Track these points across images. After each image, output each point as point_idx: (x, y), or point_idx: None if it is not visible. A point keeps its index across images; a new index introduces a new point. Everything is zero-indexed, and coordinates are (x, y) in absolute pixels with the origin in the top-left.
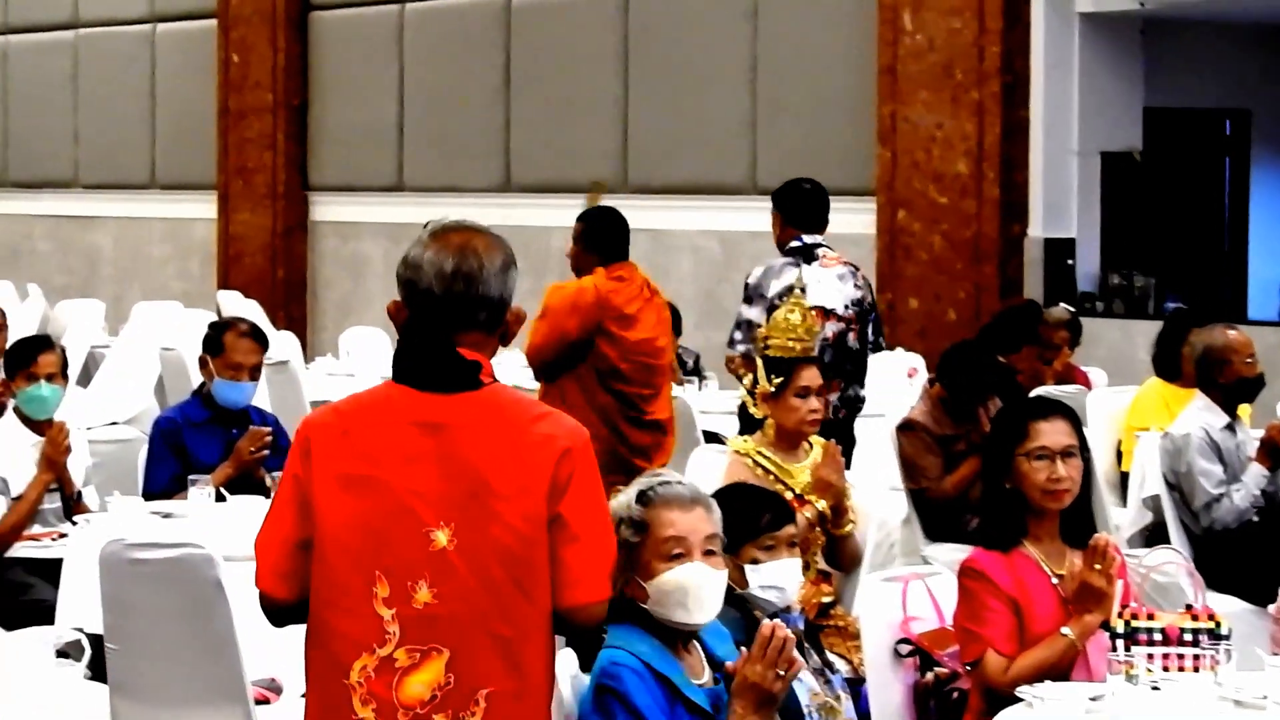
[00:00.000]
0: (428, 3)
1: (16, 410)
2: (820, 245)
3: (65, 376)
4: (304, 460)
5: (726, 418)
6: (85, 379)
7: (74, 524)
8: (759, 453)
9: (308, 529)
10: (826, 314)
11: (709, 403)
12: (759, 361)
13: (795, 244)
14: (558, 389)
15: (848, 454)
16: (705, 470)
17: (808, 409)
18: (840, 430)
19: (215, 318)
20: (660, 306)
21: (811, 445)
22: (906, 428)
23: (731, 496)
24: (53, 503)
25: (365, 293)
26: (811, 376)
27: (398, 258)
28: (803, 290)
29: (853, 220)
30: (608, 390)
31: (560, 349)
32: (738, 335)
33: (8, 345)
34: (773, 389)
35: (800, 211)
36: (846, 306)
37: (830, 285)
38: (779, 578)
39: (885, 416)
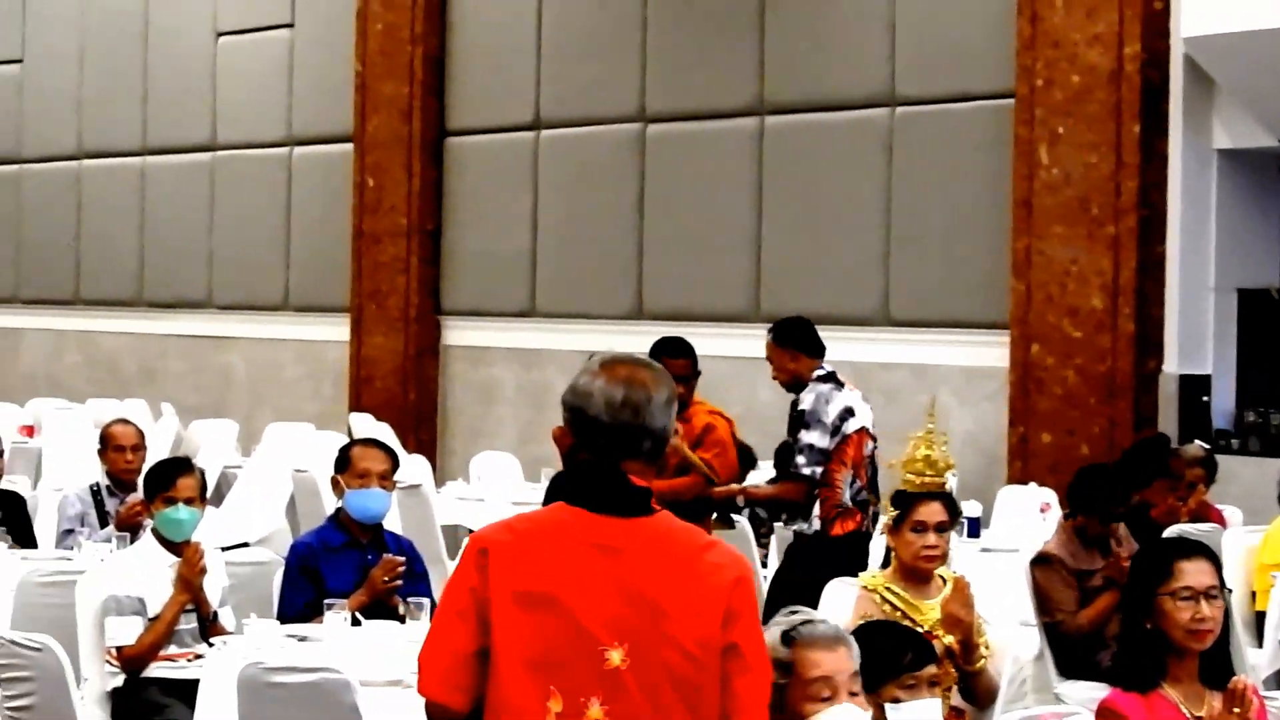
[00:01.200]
0: (562, 130)
1: (154, 532)
2: (836, 371)
3: (203, 499)
4: (480, 574)
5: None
6: (218, 499)
7: (210, 645)
8: (887, 588)
9: (483, 640)
10: (866, 432)
11: None
12: (886, 496)
13: (820, 372)
14: None
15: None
16: (835, 604)
17: (922, 544)
18: (865, 545)
19: (346, 439)
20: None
21: (944, 581)
22: (1041, 561)
23: (872, 634)
24: (189, 623)
25: (495, 417)
26: (930, 512)
27: (528, 383)
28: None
29: (986, 354)
30: None
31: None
32: (801, 460)
33: (145, 466)
34: (892, 522)
35: (812, 342)
36: (873, 425)
37: (863, 406)
38: (919, 717)
39: (1018, 551)
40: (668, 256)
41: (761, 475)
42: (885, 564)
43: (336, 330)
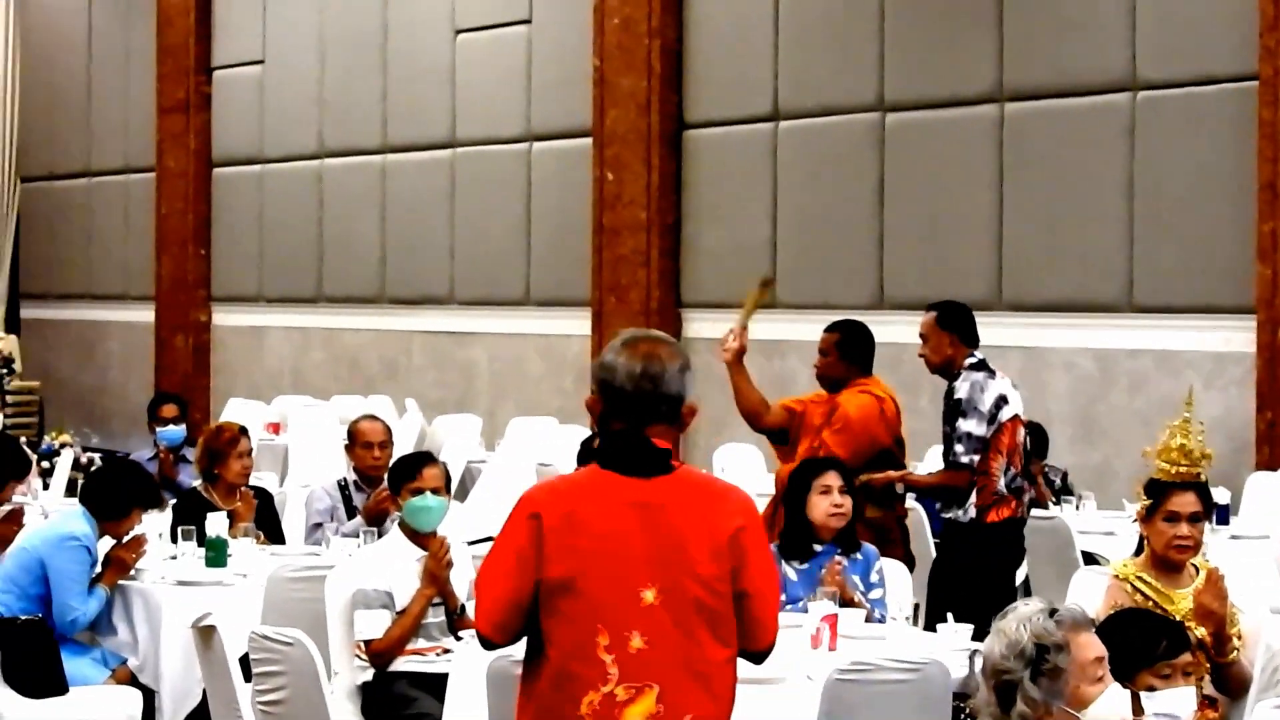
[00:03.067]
0: (801, 121)
1: (402, 525)
2: (986, 359)
3: (448, 491)
4: (531, 535)
5: (1104, 539)
6: (462, 494)
7: (459, 639)
8: (1139, 577)
9: (527, 590)
10: (1020, 419)
11: (1087, 523)
12: (1140, 484)
13: (972, 360)
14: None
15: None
16: (1085, 593)
17: (1174, 534)
18: (1020, 532)
19: (589, 433)
20: None
21: (1197, 570)
22: None
23: (1127, 622)
24: (437, 617)
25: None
26: (1184, 502)
27: (771, 373)
28: (1191, 419)
29: (1232, 338)
30: None
31: (870, 457)
32: (959, 449)
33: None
34: (1145, 511)
35: (971, 330)
36: (1024, 412)
37: (1015, 393)
38: (1174, 705)
39: (1269, 538)
40: (908, 245)
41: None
42: (1138, 552)
43: (578, 324)
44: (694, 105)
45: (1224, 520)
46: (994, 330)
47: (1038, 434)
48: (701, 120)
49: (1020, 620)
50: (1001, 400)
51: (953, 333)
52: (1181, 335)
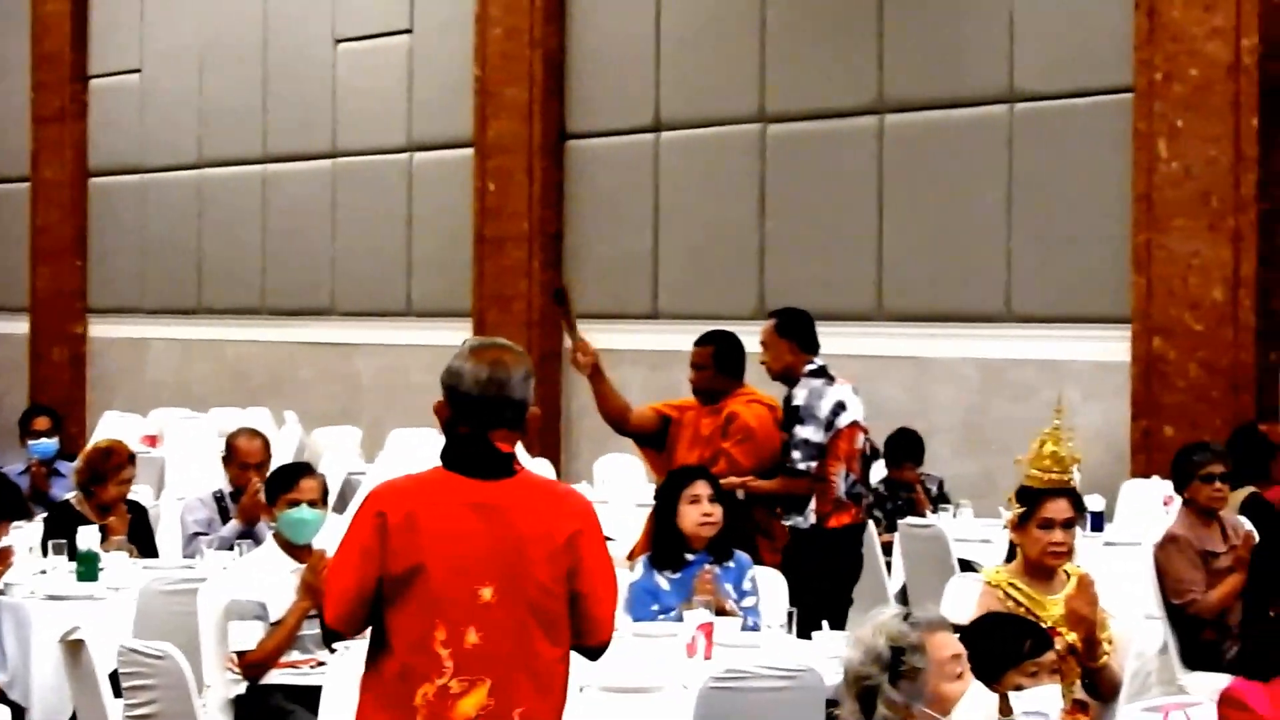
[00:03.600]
0: (683, 131)
1: (277, 536)
2: (827, 365)
3: (325, 504)
4: (375, 529)
5: (982, 546)
6: (342, 505)
7: (333, 651)
8: (1011, 584)
9: (370, 585)
10: (859, 425)
11: (965, 530)
12: (1012, 492)
13: (811, 367)
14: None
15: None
16: (959, 599)
17: (1049, 541)
18: (859, 538)
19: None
20: None
21: (1069, 576)
22: (1168, 542)
23: (991, 625)
24: (312, 629)
25: None
26: (1057, 509)
27: (655, 385)
28: (1062, 426)
29: (1108, 348)
30: None
31: (769, 466)
32: (797, 455)
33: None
34: (1018, 518)
35: (811, 338)
36: (864, 418)
37: (854, 400)
38: (1043, 703)
39: (1141, 545)
40: (790, 256)
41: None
42: (1009, 559)
43: (461, 335)
44: (576, 115)
45: (1098, 527)
46: (876, 340)
47: (912, 442)
48: (584, 130)
49: (875, 627)
50: (839, 407)
51: (791, 340)
52: (1061, 345)
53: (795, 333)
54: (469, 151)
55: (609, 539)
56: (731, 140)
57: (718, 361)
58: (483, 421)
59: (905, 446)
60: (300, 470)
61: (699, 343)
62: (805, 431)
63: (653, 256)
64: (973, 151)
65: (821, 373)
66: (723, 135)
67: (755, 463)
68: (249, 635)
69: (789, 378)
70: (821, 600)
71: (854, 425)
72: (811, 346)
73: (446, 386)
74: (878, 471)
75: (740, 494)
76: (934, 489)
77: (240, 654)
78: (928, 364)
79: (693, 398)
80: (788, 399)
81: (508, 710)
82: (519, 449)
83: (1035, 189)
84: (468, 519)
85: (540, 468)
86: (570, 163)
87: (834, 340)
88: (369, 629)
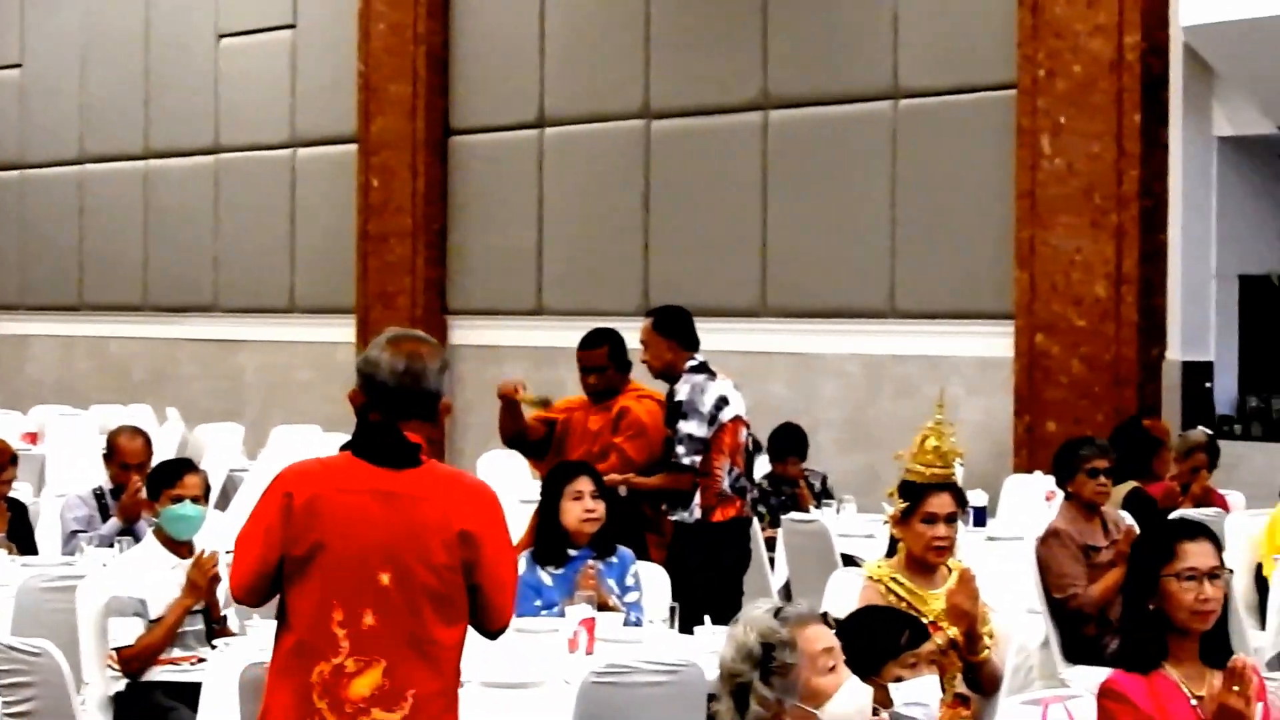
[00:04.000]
0: (567, 127)
1: (157, 532)
2: (707, 361)
3: (207, 500)
4: (280, 509)
5: (865, 541)
6: (224, 502)
7: (214, 648)
8: (893, 578)
9: (272, 562)
10: (741, 420)
11: (848, 525)
12: (894, 486)
13: (693, 363)
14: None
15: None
16: (841, 594)
17: (932, 535)
18: (744, 531)
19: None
20: None
21: (950, 571)
22: (1049, 536)
23: (869, 618)
24: (194, 625)
25: None
26: (941, 504)
27: (538, 381)
28: (944, 420)
29: (992, 344)
30: None
31: (657, 460)
32: (681, 450)
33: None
34: (900, 513)
35: (690, 335)
36: (746, 412)
37: (735, 395)
38: (923, 694)
39: (1023, 539)
40: (674, 252)
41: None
42: (890, 553)
43: (344, 332)
44: (460, 112)
45: (981, 522)
46: (758, 337)
47: (796, 437)
48: (468, 126)
49: (746, 623)
50: (722, 401)
51: (671, 338)
52: (944, 341)
53: (674, 330)
54: (352, 147)
55: None
56: (616, 136)
57: (614, 360)
58: (396, 411)
59: (789, 441)
60: (183, 466)
61: (589, 345)
62: (689, 426)
63: (537, 252)
64: (857, 148)
65: (703, 368)
66: (607, 131)
67: (646, 457)
68: (129, 631)
69: (670, 375)
70: (709, 594)
71: (737, 420)
72: (691, 343)
73: (362, 375)
74: (762, 466)
75: (622, 490)
76: (818, 484)
77: (120, 650)
78: (812, 360)
79: (576, 396)
80: (670, 395)
81: (402, 691)
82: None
83: (919, 185)
84: (370, 505)
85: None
86: (454, 159)
87: (718, 336)
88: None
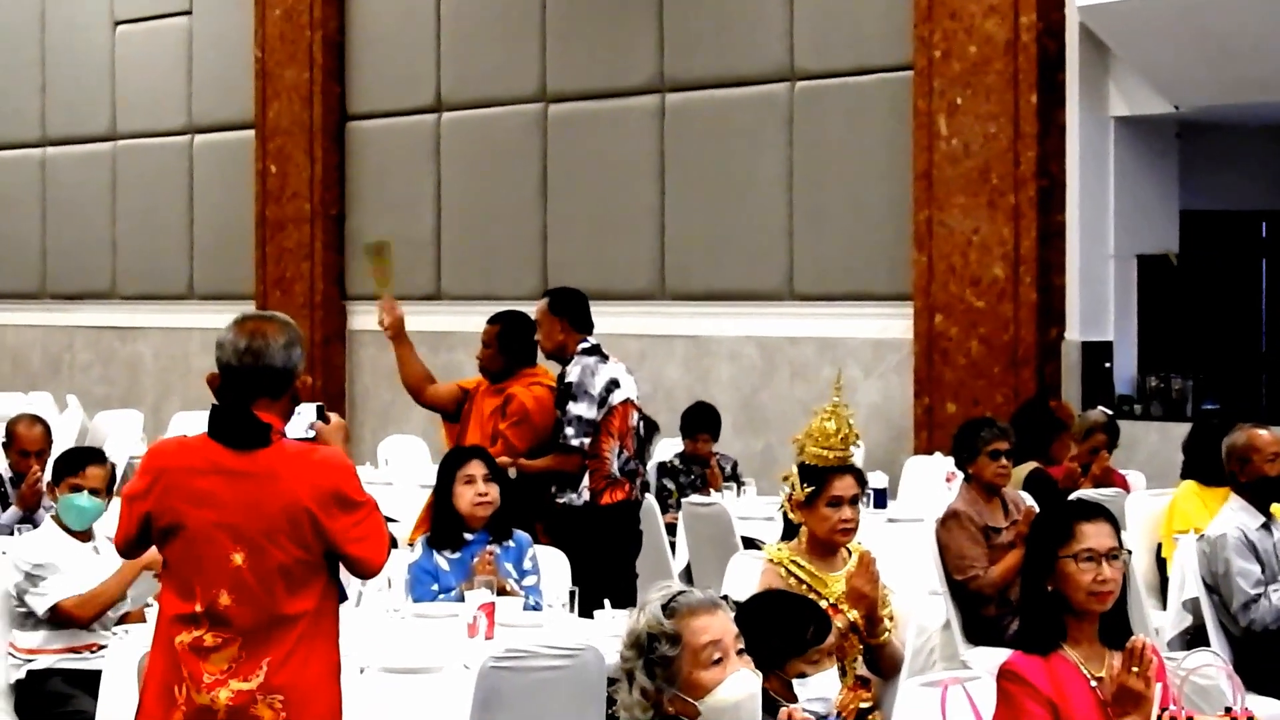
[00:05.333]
0: (464, 112)
1: (55, 518)
2: (600, 344)
3: (109, 493)
4: (145, 485)
5: (765, 524)
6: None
7: (113, 635)
8: (793, 561)
9: (135, 530)
10: (632, 403)
11: (748, 508)
12: (794, 470)
13: (585, 345)
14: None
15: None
16: (741, 577)
17: (839, 518)
18: (634, 514)
19: None
20: None
21: (850, 554)
22: (949, 518)
23: (772, 608)
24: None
25: (404, 402)
26: (845, 486)
27: (437, 366)
28: (840, 404)
29: (890, 325)
30: None
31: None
32: (570, 431)
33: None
34: (804, 497)
35: (583, 317)
36: (637, 396)
37: (627, 378)
38: (825, 689)
39: (923, 521)
40: (572, 236)
41: (670, 448)
42: (787, 537)
43: None
44: (357, 97)
45: (881, 504)
46: (657, 320)
47: (708, 415)
48: (365, 112)
49: (641, 610)
50: (613, 384)
51: (563, 318)
52: (841, 323)
53: (567, 311)
54: (249, 133)
55: (391, 519)
56: (512, 120)
57: (501, 341)
58: (241, 391)
59: (702, 420)
60: (89, 456)
61: (490, 321)
62: (578, 408)
63: (434, 237)
64: (753, 130)
65: (595, 351)
66: (503, 115)
67: (530, 444)
68: (58, 588)
69: (561, 356)
70: (601, 578)
71: (628, 403)
72: (584, 325)
73: (216, 358)
74: (671, 447)
75: (512, 473)
76: (728, 468)
77: (58, 605)
78: (708, 342)
79: (481, 378)
80: (560, 376)
81: (257, 661)
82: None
83: (816, 167)
84: (219, 486)
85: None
86: (351, 144)
87: (616, 320)
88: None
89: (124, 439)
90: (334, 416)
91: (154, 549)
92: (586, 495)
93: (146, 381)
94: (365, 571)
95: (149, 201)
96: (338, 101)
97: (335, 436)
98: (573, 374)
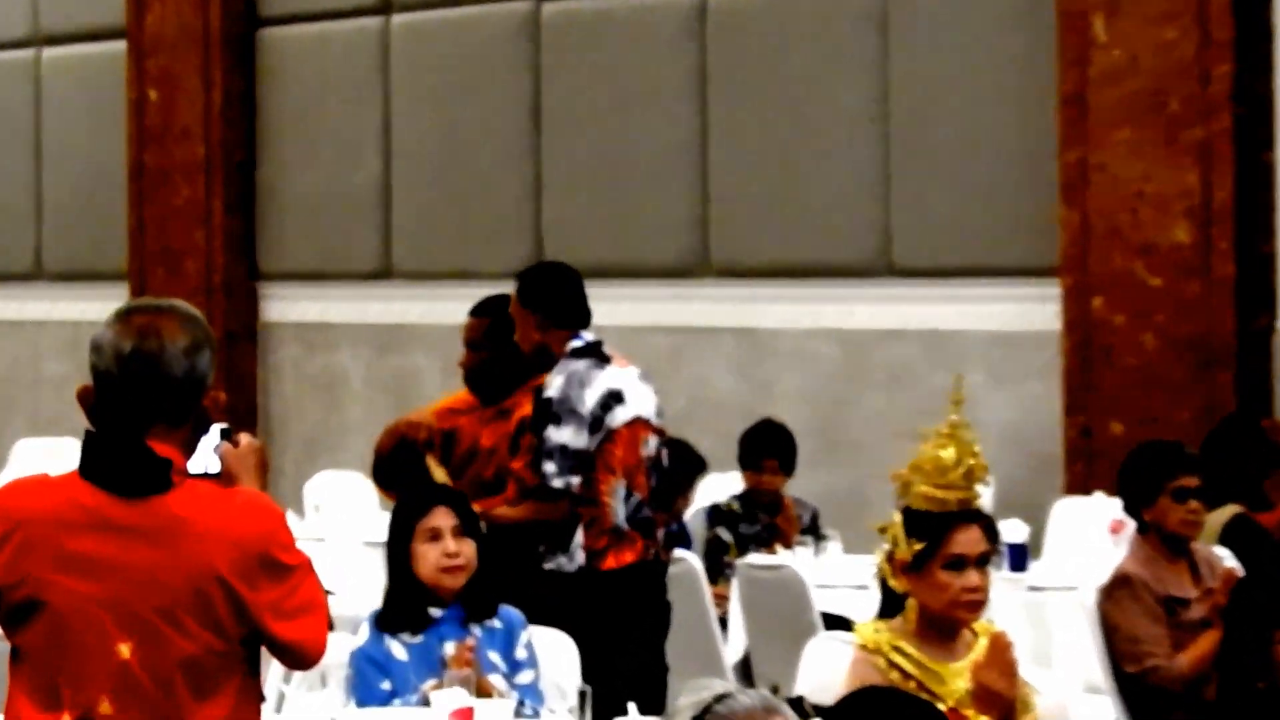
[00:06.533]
0: (423, 13)
1: None
2: (602, 342)
3: None
4: None
5: (855, 595)
6: None
7: None
8: (896, 647)
9: None
10: (646, 425)
11: (830, 573)
12: (896, 518)
13: (576, 344)
14: None
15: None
16: (822, 670)
17: (961, 586)
18: (654, 581)
19: None
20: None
21: (976, 636)
22: (1117, 585)
23: (865, 711)
24: None
25: (340, 423)
26: (969, 541)
27: (385, 372)
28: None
29: (1030, 312)
30: None
31: None
32: (551, 468)
33: None
34: (912, 557)
35: (566, 304)
36: (658, 415)
37: (640, 389)
38: None
39: (1079, 589)
40: (577, 188)
41: (721, 485)
42: (887, 612)
43: (110, 307)
44: None
45: (1019, 566)
46: (698, 306)
47: (778, 438)
48: (282, 14)
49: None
50: (612, 398)
51: (537, 311)
52: (958, 310)
53: (542, 300)
54: (119, 45)
55: (328, 592)
56: (492, 24)
57: (492, 339)
58: (128, 412)
59: (767, 442)
60: None
61: (474, 313)
62: (561, 434)
63: (382, 191)
64: (831, 38)
65: (589, 351)
66: (480, 17)
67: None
68: None
69: (548, 360)
70: (610, 673)
71: (638, 424)
72: (570, 317)
73: (90, 365)
74: (724, 485)
75: (482, 525)
76: (805, 518)
77: None
78: (769, 337)
79: (459, 391)
80: (537, 391)
81: None
82: None
83: (920, 91)
84: (101, 548)
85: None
86: (264, 61)
87: (639, 307)
88: None
89: None
90: (245, 437)
91: None
92: (582, 557)
93: None
94: (300, 660)
95: None
96: (244, 0)
97: (247, 466)
98: (552, 387)
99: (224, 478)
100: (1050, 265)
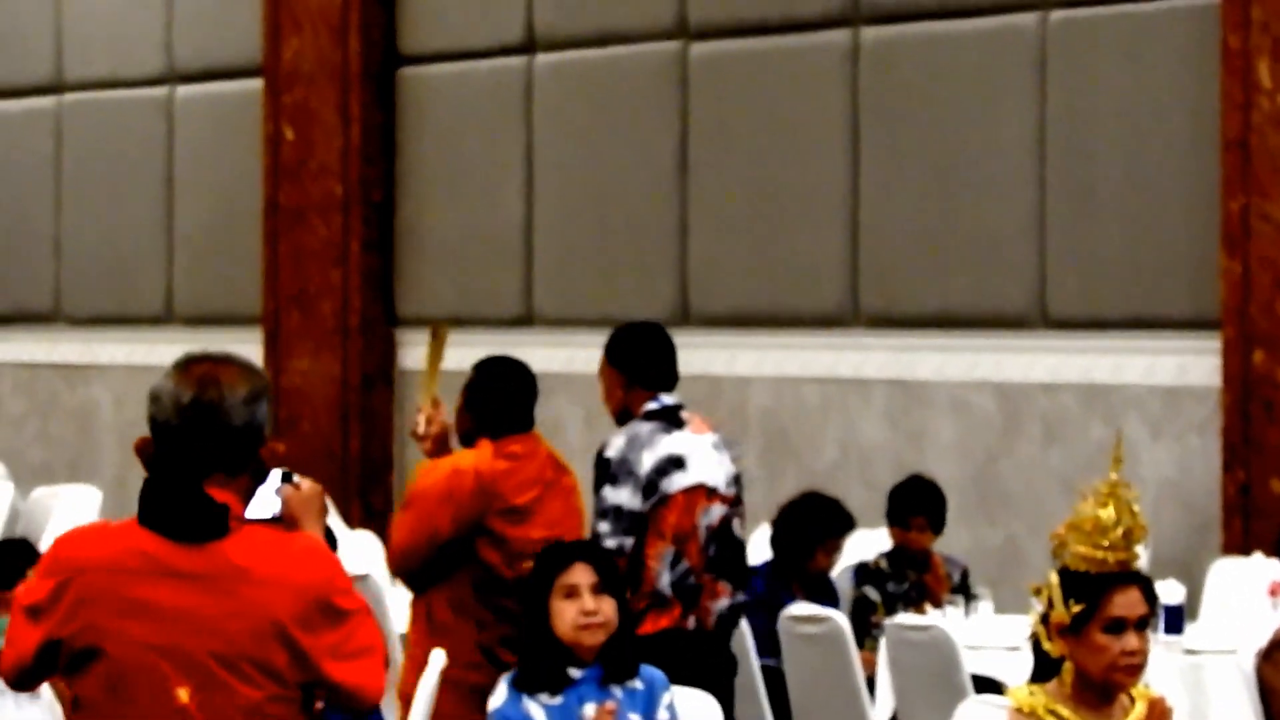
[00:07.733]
0: (568, 53)
1: None
2: (681, 406)
3: None
4: (52, 590)
5: (1008, 657)
6: None
7: None
8: (1051, 711)
9: (34, 647)
10: (710, 494)
11: (981, 634)
12: (1053, 579)
13: (653, 406)
14: (424, 604)
15: (726, 685)
16: None
17: (1120, 650)
18: (715, 650)
19: None
20: (569, 491)
21: (1133, 701)
22: (1276, 649)
23: None
24: None
25: None
26: (1129, 603)
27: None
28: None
29: (1188, 365)
30: (488, 606)
31: (429, 551)
32: (604, 527)
33: None
34: (1069, 619)
35: (648, 366)
36: (729, 484)
37: (709, 457)
38: None
39: (1237, 653)
40: (724, 234)
41: (871, 541)
42: (1040, 675)
43: (244, 350)
44: (412, 30)
45: (1175, 628)
46: (848, 356)
47: (928, 495)
48: (423, 52)
49: None
50: (670, 464)
51: (623, 370)
52: (1117, 361)
53: (625, 360)
54: (256, 83)
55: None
56: (639, 64)
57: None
58: (187, 461)
59: (916, 499)
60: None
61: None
62: (617, 495)
63: (524, 235)
64: (989, 78)
65: (661, 415)
66: (625, 58)
67: (405, 538)
68: None
69: (626, 421)
70: None
71: (697, 491)
72: (651, 378)
73: (149, 417)
74: (876, 541)
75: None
76: (955, 576)
77: None
78: (922, 389)
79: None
80: (599, 451)
81: None
82: None
83: (1079, 133)
84: (161, 594)
85: (363, 545)
86: (404, 99)
87: (787, 356)
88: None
89: (78, 516)
90: (306, 482)
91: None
92: None
93: (105, 441)
94: (358, 703)
95: (108, 180)
96: (384, 37)
97: (309, 510)
98: (613, 447)
99: (285, 522)
100: (1212, 316)
